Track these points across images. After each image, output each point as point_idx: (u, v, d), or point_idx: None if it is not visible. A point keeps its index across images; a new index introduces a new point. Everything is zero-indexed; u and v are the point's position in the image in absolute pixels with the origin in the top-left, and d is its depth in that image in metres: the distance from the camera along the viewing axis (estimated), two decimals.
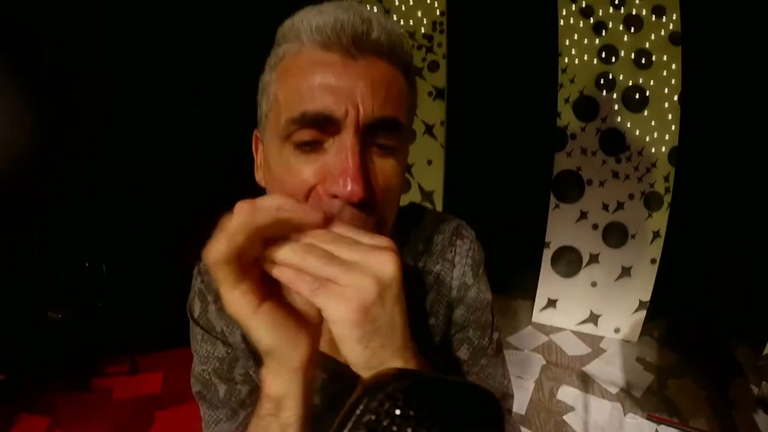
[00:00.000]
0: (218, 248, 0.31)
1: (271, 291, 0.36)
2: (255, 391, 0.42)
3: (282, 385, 0.39)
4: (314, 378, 0.41)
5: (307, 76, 0.41)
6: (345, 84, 0.40)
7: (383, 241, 0.35)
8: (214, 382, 0.57)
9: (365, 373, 0.35)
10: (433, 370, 0.41)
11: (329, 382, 0.55)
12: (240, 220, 0.32)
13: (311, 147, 0.41)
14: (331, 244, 0.34)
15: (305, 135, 0.41)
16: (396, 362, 0.35)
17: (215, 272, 0.32)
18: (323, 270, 0.32)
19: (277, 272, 0.34)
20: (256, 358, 0.55)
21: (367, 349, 0.33)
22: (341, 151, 0.40)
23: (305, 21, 0.41)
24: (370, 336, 0.33)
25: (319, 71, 0.41)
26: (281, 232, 0.34)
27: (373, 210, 0.42)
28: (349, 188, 0.39)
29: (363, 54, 0.41)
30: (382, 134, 0.42)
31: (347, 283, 0.32)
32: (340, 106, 0.39)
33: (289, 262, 0.33)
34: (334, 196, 0.40)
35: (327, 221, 0.35)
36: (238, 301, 0.34)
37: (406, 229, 0.61)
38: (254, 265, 0.35)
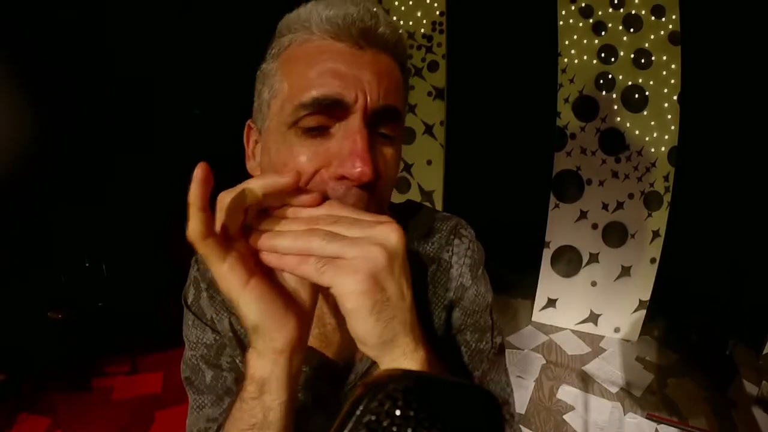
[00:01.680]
0: (191, 226, 0.32)
1: (262, 267, 0.37)
2: (240, 379, 0.43)
3: (266, 366, 0.39)
4: (299, 366, 0.41)
5: (317, 63, 0.43)
6: (354, 71, 0.42)
7: (384, 217, 0.36)
8: (202, 368, 0.58)
9: (377, 351, 0.36)
10: (438, 359, 0.41)
11: (317, 378, 0.54)
12: (218, 203, 0.34)
13: (317, 132, 0.43)
14: (333, 225, 0.35)
15: (312, 121, 0.42)
16: (407, 338, 0.36)
17: (198, 249, 0.33)
18: (328, 248, 0.33)
19: (279, 262, 0.35)
20: (242, 346, 0.57)
21: (379, 321, 0.34)
22: (349, 134, 0.41)
23: (315, 12, 0.43)
24: (381, 306, 0.34)
25: (329, 58, 0.42)
26: (266, 204, 0.36)
27: (375, 193, 0.44)
28: (359, 169, 0.40)
29: (370, 46, 0.44)
30: (384, 122, 0.44)
31: (354, 255, 0.33)
32: (350, 91, 0.41)
33: (293, 249, 0.34)
34: (341, 178, 0.41)
35: (321, 201, 0.37)
36: (227, 274, 0.34)
37: (401, 224, 0.60)
38: (240, 238, 0.36)
